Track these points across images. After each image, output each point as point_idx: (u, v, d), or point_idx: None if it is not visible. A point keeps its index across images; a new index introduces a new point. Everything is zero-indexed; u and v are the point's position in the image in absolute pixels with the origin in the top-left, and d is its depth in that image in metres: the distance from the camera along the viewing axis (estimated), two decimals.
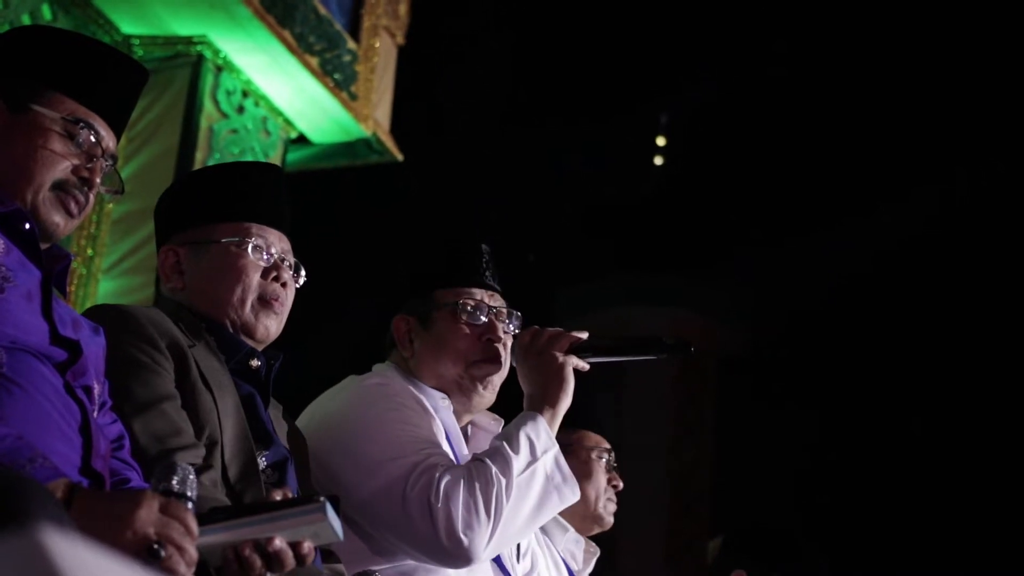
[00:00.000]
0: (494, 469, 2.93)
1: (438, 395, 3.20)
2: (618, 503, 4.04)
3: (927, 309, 14.11)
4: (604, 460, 3.95)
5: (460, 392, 3.23)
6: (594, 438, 3.95)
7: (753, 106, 14.37)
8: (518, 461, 2.97)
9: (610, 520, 3.98)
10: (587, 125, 14.03)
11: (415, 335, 3.24)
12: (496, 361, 3.23)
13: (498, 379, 3.28)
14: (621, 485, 4.00)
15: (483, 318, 3.24)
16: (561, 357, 3.12)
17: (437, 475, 2.87)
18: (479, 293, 3.27)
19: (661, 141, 16.31)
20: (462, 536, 2.84)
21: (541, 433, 3.04)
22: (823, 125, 14.06)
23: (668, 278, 16.09)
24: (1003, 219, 13.58)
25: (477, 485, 2.89)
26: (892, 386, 14.20)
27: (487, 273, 3.31)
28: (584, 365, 3.16)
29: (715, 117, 14.80)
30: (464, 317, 3.22)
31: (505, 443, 3.01)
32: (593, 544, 4.03)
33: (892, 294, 14.40)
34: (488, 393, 3.28)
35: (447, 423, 3.17)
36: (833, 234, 13.97)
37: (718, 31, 13.84)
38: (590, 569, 4.04)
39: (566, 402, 3.13)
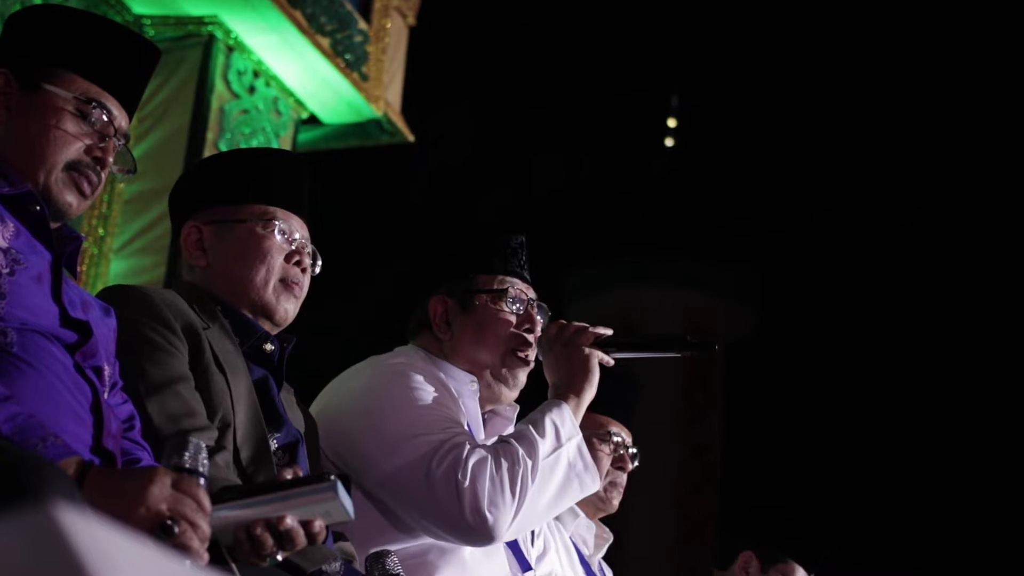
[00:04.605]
0: (521, 451, 2.95)
1: (467, 378, 3.21)
2: (628, 485, 4.01)
3: (936, 293, 14.09)
4: (608, 443, 3.92)
5: (492, 378, 3.25)
6: (598, 420, 3.88)
7: (762, 91, 14.35)
8: (544, 445, 2.99)
9: (614, 504, 3.98)
10: (598, 106, 14.01)
11: (453, 317, 3.25)
12: (532, 352, 3.26)
13: (525, 373, 3.30)
14: (630, 466, 3.98)
15: (523, 309, 3.27)
16: (587, 349, 3.16)
17: (464, 453, 2.89)
18: (519, 283, 3.30)
19: (672, 123, 16.28)
20: (487, 513, 2.85)
21: (566, 420, 3.08)
22: (833, 110, 14.03)
23: (676, 260, 16.09)
24: (1013, 202, 13.56)
25: (504, 464, 2.91)
26: (899, 369, 14.19)
27: (525, 264, 3.34)
28: (608, 360, 3.20)
29: (725, 100, 14.77)
30: (507, 305, 3.25)
31: (531, 427, 3.04)
32: (607, 530, 4.02)
33: (899, 278, 14.39)
34: (516, 386, 3.30)
35: (469, 408, 3.18)
36: (839, 218, 13.97)
37: (730, 14, 13.80)
38: (602, 554, 4.04)
39: (590, 392, 3.17)
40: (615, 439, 3.95)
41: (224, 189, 2.86)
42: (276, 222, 2.80)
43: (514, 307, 3.26)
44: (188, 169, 3.02)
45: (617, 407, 3.96)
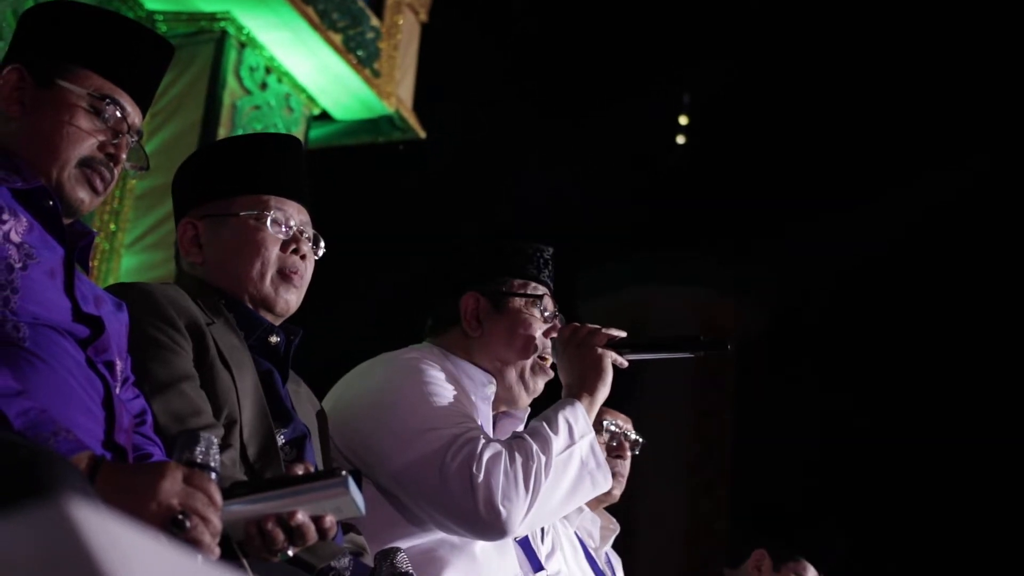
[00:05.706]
0: (535, 446, 2.97)
1: (485, 378, 3.23)
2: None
3: (951, 291, 14.06)
4: (601, 434, 3.91)
5: (516, 380, 3.28)
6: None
7: (774, 87, 14.33)
8: (557, 442, 3.00)
9: (615, 494, 3.97)
10: (610, 104, 14.00)
11: (485, 315, 3.27)
12: (550, 360, 3.29)
13: (544, 381, 3.34)
14: (628, 454, 3.99)
15: (551, 318, 3.31)
16: (600, 350, 3.18)
17: (479, 447, 2.90)
18: (547, 292, 3.34)
19: (684, 120, 16.26)
20: (500, 507, 2.86)
21: (579, 418, 3.09)
22: (847, 107, 14.01)
23: (688, 258, 16.07)
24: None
25: (518, 459, 2.92)
26: (914, 367, 14.16)
27: (552, 277, 3.39)
28: (622, 361, 3.22)
29: (736, 98, 14.75)
30: (539, 311, 3.29)
31: (545, 423, 3.05)
32: (613, 520, 4.02)
33: (913, 276, 14.36)
34: (534, 392, 3.33)
35: (480, 409, 3.19)
36: (851, 215, 13.94)
37: (741, 11, 13.79)
38: (609, 545, 4.04)
39: (604, 392, 3.19)
40: (611, 428, 3.96)
41: (215, 182, 2.83)
42: (269, 212, 2.76)
43: (547, 315, 3.30)
44: (183, 163, 2.98)
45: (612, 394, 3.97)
